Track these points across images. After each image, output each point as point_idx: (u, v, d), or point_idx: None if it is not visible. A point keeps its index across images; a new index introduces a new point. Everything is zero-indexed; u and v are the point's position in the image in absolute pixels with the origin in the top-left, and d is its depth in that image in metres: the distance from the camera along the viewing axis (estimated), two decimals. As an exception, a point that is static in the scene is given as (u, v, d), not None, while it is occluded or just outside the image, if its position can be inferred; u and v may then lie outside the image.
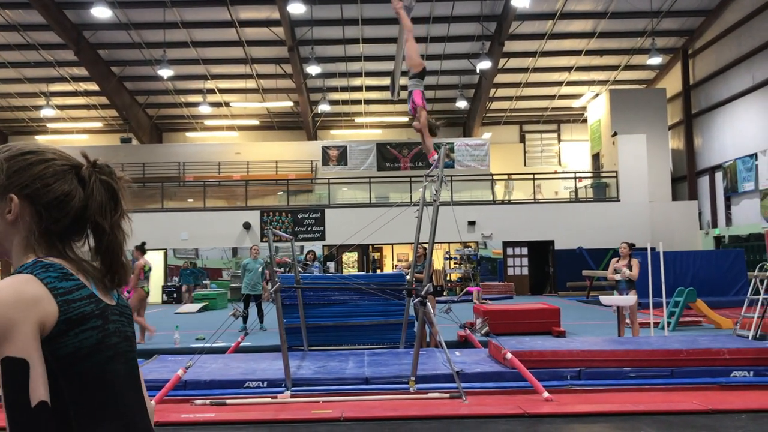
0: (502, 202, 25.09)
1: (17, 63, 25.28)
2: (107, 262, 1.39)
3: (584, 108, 29.54)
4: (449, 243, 22.92)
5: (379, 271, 24.41)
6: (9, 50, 24.26)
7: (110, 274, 1.39)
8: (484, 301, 18.38)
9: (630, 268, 9.58)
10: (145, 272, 11.18)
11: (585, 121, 29.54)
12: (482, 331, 8.33)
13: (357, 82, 27.77)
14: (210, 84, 27.55)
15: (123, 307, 1.44)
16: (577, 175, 26.80)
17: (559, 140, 31.90)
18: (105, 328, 1.32)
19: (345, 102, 29.34)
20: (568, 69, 27.23)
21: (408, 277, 9.42)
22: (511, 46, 24.61)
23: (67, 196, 1.36)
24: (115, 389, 1.33)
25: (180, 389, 6.81)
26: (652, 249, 10.18)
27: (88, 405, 1.27)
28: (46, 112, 27.84)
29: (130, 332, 1.44)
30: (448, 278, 23.67)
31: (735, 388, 6.79)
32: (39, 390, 1.19)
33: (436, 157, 7.73)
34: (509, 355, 6.94)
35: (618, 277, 9.69)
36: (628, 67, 27.37)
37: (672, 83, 27.10)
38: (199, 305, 18.21)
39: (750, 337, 8.94)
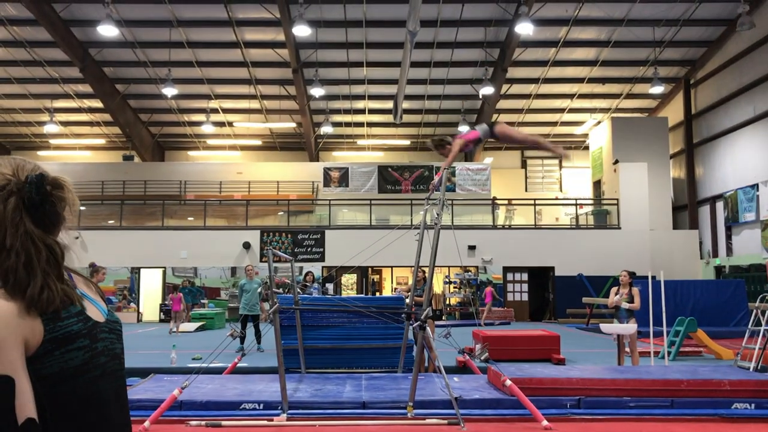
0: (503, 227, 25.07)
1: (22, 79, 25.44)
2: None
3: (586, 135, 29.64)
4: (449, 267, 22.86)
5: (378, 294, 24.32)
6: (15, 66, 24.42)
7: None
8: (487, 325, 18.37)
9: (630, 296, 9.53)
10: None
11: (587, 148, 29.62)
12: (481, 357, 8.25)
13: (360, 104, 27.91)
14: (213, 103, 27.68)
15: (113, 323, 1.41)
16: (578, 201, 26.81)
17: (561, 167, 31.95)
18: (93, 347, 1.30)
19: (348, 124, 29.46)
20: (571, 96, 27.37)
21: (407, 300, 9.37)
22: (514, 72, 24.76)
23: None
24: (101, 410, 1.30)
25: (175, 409, 6.73)
26: (653, 277, 10.13)
27: (72, 426, 1.24)
28: (50, 128, 27.94)
29: (119, 349, 1.41)
30: (447, 302, 23.59)
31: (736, 420, 6.71)
32: (26, 407, 1.16)
33: (436, 180, 7.79)
34: (508, 382, 6.86)
35: (616, 302, 9.65)
36: (631, 96, 27.51)
37: (674, 112, 27.22)
38: (196, 324, 18.11)
39: (751, 369, 8.88)
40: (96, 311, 1.37)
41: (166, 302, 22.69)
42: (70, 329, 1.26)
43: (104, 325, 1.37)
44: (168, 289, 23.42)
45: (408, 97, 24.50)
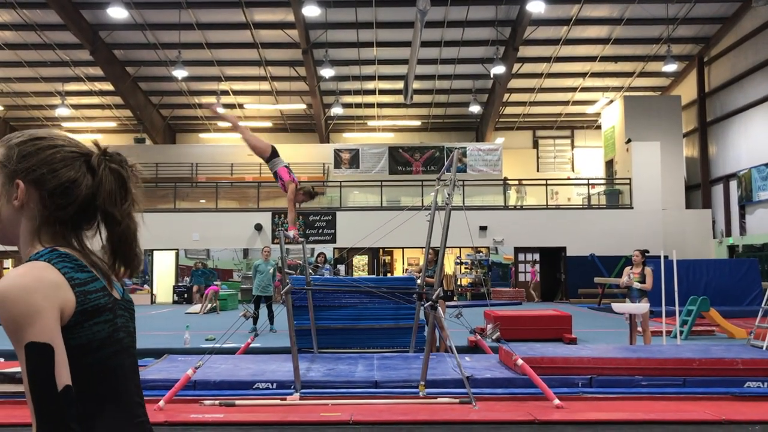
0: (515, 208, 25.00)
1: (33, 62, 25.47)
2: (120, 252, 1.38)
3: (598, 114, 29.41)
4: (460, 248, 22.86)
5: (389, 275, 24.38)
6: (26, 49, 24.46)
7: (123, 265, 1.38)
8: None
9: (642, 276, 9.49)
10: None
11: (599, 127, 29.41)
12: (493, 337, 8.27)
13: (370, 85, 27.79)
14: (224, 85, 27.66)
15: (127, 302, 1.45)
16: (590, 181, 26.67)
17: (573, 146, 31.77)
18: (114, 322, 1.34)
19: (358, 105, 29.36)
20: (583, 75, 27.12)
21: (419, 281, 9.38)
22: (525, 51, 24.55)
23: (73, 183, 1.35)
24: (119, 382, 1.33)
25: (189, 389, 6.80)
26: (665, 257, 10.07)
27: (92, 397, 1.27)
28: (61, 112, 28.03)
29: (133, 327, 1.45)
30: (458, 283, 23.61)
31: (749, 399, 6.71)
32: (63, 374, 1.20)
33: (291, 234, 7.72)
34: (520, 361, 6.88)
35: (627, 282, 9.63)
36: (643, 74, 27.23)
37: (687, 91, 26.93)
38: (209, 306, 18.24)
39: (764, 348, 8.85)
40: (113, 289, 1.40)
41: (180, 283, 22.92)
42: (99, 302, 1.30)
43: (121, 303, 1.40)
44: (181, 270, 23.63)
45: (418, 78, 24.36)
